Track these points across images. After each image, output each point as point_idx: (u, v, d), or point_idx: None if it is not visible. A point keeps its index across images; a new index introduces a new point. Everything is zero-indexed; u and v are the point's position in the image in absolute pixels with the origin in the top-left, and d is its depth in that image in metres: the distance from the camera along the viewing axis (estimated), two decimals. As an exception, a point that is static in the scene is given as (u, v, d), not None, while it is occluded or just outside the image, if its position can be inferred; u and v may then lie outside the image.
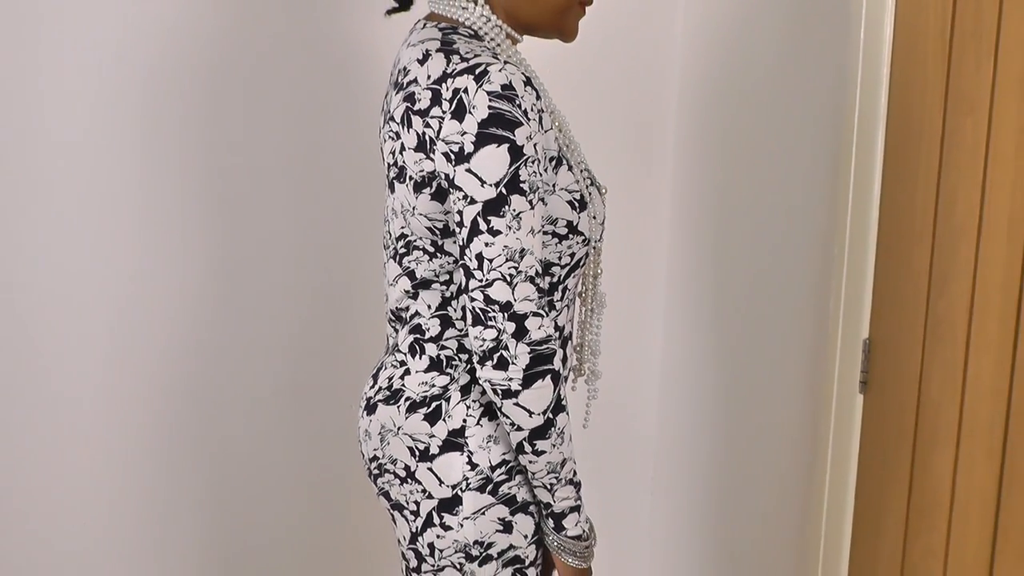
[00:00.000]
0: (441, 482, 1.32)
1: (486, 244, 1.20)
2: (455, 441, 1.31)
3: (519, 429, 1.25)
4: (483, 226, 1.21)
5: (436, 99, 1.23)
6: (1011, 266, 1.44)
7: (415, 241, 1.32)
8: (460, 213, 1.22)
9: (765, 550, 2.05)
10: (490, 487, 1.30)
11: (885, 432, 1.68)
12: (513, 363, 1.22)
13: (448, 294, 1.33)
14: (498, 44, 1.32)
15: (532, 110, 1.22)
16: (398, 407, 1.35)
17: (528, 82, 1.22)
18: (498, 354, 1.22)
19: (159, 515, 2.03)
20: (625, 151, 2.28)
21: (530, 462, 1.27)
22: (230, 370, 2.03)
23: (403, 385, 1.36)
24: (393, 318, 1.40)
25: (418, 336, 1.35)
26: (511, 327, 1.21)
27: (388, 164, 1.34)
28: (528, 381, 1.22)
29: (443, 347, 1.34)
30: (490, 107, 1.19)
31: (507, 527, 1.31)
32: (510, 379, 1.22)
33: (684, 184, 2.28)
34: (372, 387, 1.40)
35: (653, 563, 2.45)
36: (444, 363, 1.34)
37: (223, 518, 2.08)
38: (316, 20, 1.97)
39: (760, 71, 2.03)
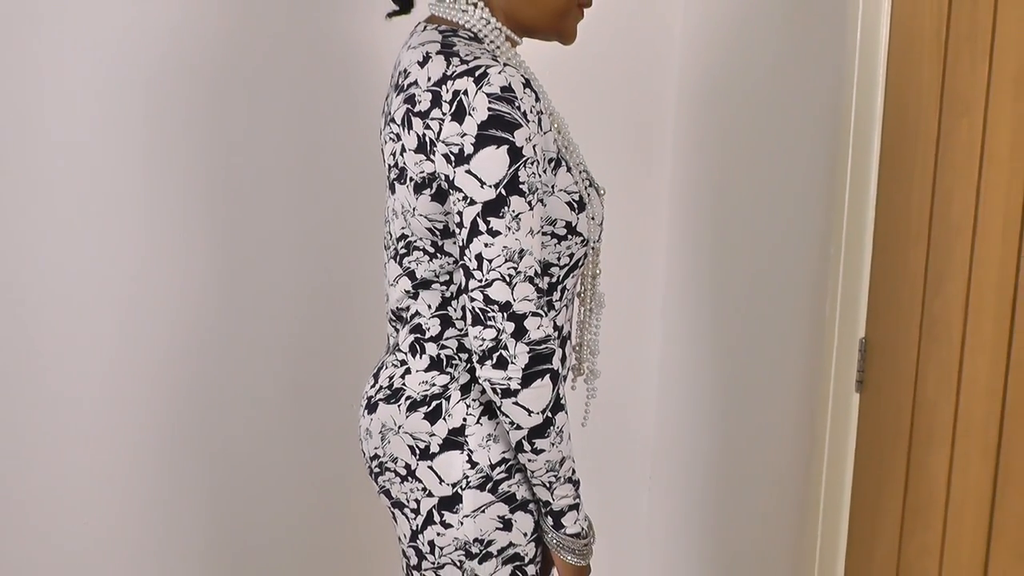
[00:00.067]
0: (441, 480, 1.33)
1: (486, 245, 1.21)
2: (455, 440, 1.32)
3: (518, 428, 1.26)
4: (483, 227, 1.21)
5: (436, 101, 1.24)
6: (1006, 266, 1.44)
7: (415, 242, 1.32)
8: (460, 214, 1.23)
9: (762, 547, 2.05)
10: (490, 485, 1.31)
11: (881, 431, 1.69)
12: (512, 362, 1.22)
13: (448, 294, 1.34)
14: (498, 47, 1.32)
15: (531, 112, 1.23)
16: (399, 406, 1.36)
17: (527, 84, 1.23)
18: (497, 354, 1.23)
19: (160, 514, 2.03)
20: (624, 152, 2.29)
21: (529, 460, 1.28)
22: (232, 370, 2.04)
23: (404, 384, 1.37)
24: (394, 318, 1.41)
25: (418, 336, 1.36)
26: (510, 327, 1.22)
27: (389, 165, 1.35)
28: (527, 380, 1.23)
29: (443, 347, 1.35)
30: (490, 109, 1.20)
31: (507, 525, 1.32)
32: (509, 378, 1.23)
33: (682, 185, 2.29)
34: (373, 386, 1.41)
35: (652, 560, 2.46)
36: (444, 362, 1.35)
37: (224, 517, 2.08)
38: (317, 23, 1.98)
39: (758, 73, 2.04)
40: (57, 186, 1.87)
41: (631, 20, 2.22)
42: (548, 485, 1.30)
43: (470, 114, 1.21)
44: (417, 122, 1.26)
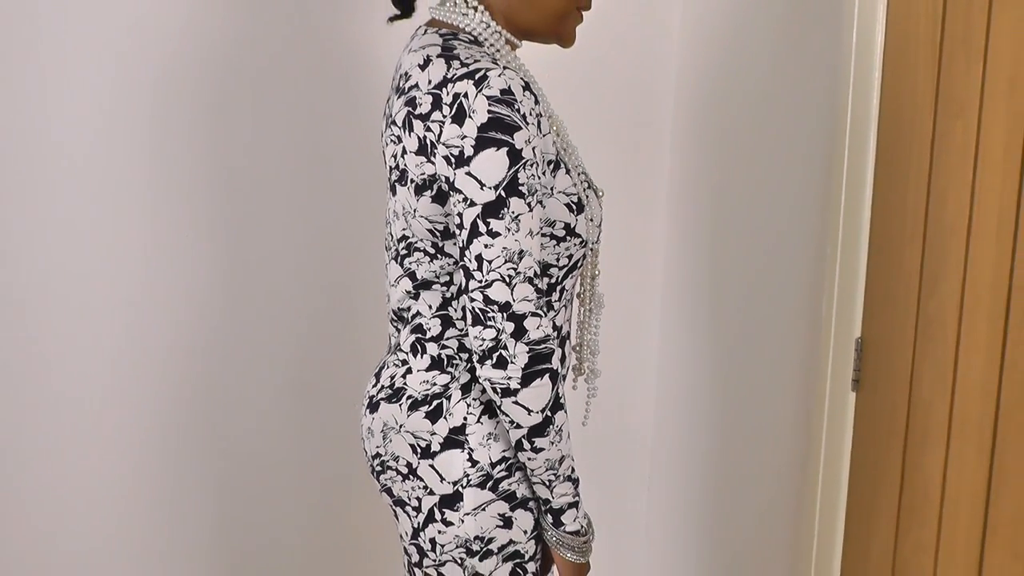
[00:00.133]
0: (442, 479, 1.34)
1: (485, 246, 1.22)
2: (456, 438, 1.33)
3: (518, 427, 1.27)
4: (482, 228, 1.22)
5: (437, 103, 1.25)
6: (1000, 266, 1.45)
7: (416, 243, 1.33)
8: (460, 215, 1.24)
9: (760, 545, 2.06)
10: (490, 483, 1.32)
11: (877, 430, 1.69)
12: (512, 362, 1.23)
13: (449, 295, 1.35)
14: (497, 50, 1.33)
15: (531, 114, 1.24)
16: (400, 405, 1.37)
17: (527, 87, 1.24)
18: (497, 353, 1.24)
19: (165, 513, 2.04)
20: (622, 153, 2.29)
21: (529, 459, 1.29)
22: (235, 370, 2.04)
23: (405, 384, 1.38)
24: (395, 318, 1.42)
25: (419, 336, 1.37)
26: (510, 327, 1.23)
27: (390, 167, 1.36)
28: (527, 380, 1.24)
29: (444, 346, 1.36)
30: (489, 111, 1.21)
31: (507, 523, 1.33)
32: (509, 378, 1.24)
33: (680, 186, 2.30)
34: (375, 385, 1.42)
35: (650, 558, 2.47)
36: (445, 362, 1.36)
37: (228, 515, 2.09)
38: (320, 26, 1.98)
39: (755, 74, 2.05)
40: (61, 187, 1.87)
41: (629, 23, 2.22)
42: (548, 483, 1.31)
43: (470, 116, 1.22)
44: (418, 124, 1.27)
